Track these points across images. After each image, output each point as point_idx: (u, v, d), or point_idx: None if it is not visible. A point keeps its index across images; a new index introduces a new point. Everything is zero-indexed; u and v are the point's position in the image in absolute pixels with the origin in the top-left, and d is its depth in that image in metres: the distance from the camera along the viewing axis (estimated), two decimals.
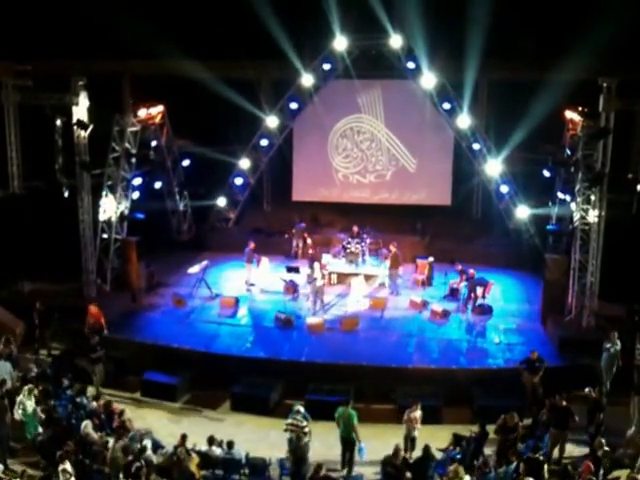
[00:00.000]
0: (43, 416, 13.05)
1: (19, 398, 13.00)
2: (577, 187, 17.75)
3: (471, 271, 18.81)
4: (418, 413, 13.09)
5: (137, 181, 20.13)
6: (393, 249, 19.89)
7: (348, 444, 12.95)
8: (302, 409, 12.98)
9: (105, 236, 19.38)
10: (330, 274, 20.09)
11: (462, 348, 16.89)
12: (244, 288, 20.15)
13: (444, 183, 24.00)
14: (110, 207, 19.31)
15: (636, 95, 17.94)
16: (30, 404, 12.98)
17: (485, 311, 18.62)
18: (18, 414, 12.94)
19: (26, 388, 13.19)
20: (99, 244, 19.22)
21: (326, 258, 20.51)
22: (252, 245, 20.50)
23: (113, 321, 17.81)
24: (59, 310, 17.20)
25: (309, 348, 16.77)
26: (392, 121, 23.91)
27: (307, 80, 22.39)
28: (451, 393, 15.15)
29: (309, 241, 21.95)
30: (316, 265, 18.85)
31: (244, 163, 23.19)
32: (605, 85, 17.01)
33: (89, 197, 18.87)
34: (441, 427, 14.15)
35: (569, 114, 18.66)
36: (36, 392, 13.35)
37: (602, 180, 16.98)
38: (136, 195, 20.28)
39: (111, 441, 12.05)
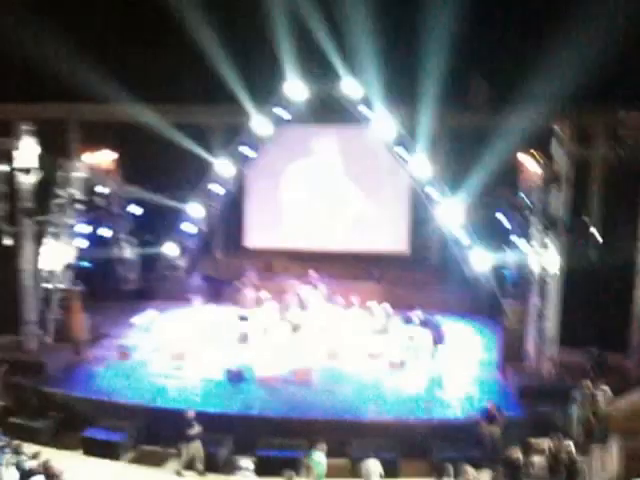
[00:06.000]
0: None
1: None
2: (533, 232, 17.62)
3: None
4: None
5: (82, 228, 19.43)
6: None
7: None
8: (250, 465, 12.38)
9: (47, 286, 18.54)
10: (284, 323, 19.46)
11: (419, 399, 16.34)
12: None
13: (401, 229, 23.81)
14: (54, 255, 18.53)
15: (590, 140, 18.07)
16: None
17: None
18: None
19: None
20: (41, 294, 18.38)
21: (275, 306, 19.80)
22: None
23: (54, 375, 17.08)
24: None
25: (261, 401, 16.08)
26: (347, 167, 23.73)
27: (259, 125, 22.08)
28: (408, 446, 14.59)
29: (265, 293, 21.33)
30: (270, 314, 18.30)
31: (194, 209, 22.59)
32: (559, 130, 17.06)
33: (32, 245, 18.14)
34: None
35: (524, 159, 18.63)
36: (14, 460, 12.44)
37: (557, 225, 16.89)
38: (81, 243, 19.54)
39: None
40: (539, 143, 18.20)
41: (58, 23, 21.10)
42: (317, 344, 18.86)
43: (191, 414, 14.25)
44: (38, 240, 18.41)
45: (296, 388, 16.84)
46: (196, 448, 14.16)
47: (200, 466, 14.22)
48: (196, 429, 14.12)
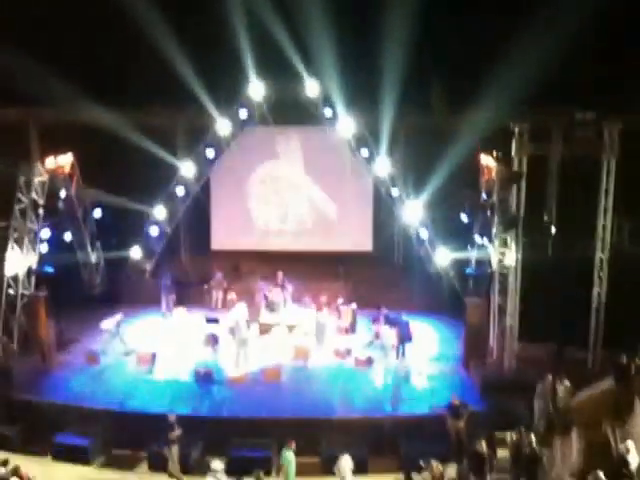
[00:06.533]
0: None
1: None
2: (494, 231, 18.00)
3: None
4: None
5: (46, 233, 19.27)
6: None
7: None
8: (221, 466, 12.54)
9: (11, 292, 18.37)
10: (252, 324, 19.57)
11: (386, 395, 16.64)
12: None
13: (365, 229, 24.04)
14: (17, 261, 18.35)
15: (547, 139, 18.52)
16: None
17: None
18: None
19: None
20: (5, 301, 18.20)
21: (243, 307, 19.80)
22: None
23: (22, 382, 16.88)
24: None
25: (231, 402, 16.25)
26: (311, 168, 23.90)
27: (223, 127, 22.12)
28: (377, 442, 14.91)
29: (233, 294, 21.38)
30: (238, 315, 18.41)
31: (159, 212, 22.54)
32: (517, 130, 17.47)
33: None
34: (367, 477, 13.92)
35: (484, 159, 19.02)
36: None
37: (517, 223, 17.29)
38: (45, 248, 19.38)
39: None
40: (498, 143, 18.60)
41: (16, 27, 20.91)
42: (285, 344, 19.05)
43: (172, 417, 14.18)
44: (0, 246, 18.22)
45: (265, 388, 17.00)
46: (175, 451, 14.08)
47: (172, 473, 14.18)
48: (177, 432, 14.04)
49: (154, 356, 18.35)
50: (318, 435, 14.92)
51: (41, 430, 15.22)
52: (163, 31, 20.69)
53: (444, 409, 14.95)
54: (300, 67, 21.27)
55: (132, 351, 18.80)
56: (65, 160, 20.31)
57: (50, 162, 19.38)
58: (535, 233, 18.61)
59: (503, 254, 17.55)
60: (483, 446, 13.22)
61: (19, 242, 18.38)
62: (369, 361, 18.18)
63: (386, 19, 20.33)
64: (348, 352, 18.67)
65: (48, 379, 17.54)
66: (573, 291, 18.49)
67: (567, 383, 15.15)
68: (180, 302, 21.34)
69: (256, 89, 21.76)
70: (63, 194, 20.46)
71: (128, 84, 21.87)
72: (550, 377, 15.20)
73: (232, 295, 21.29)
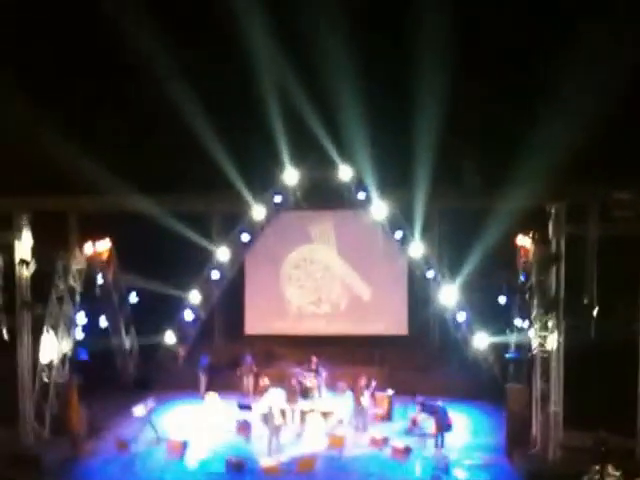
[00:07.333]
0: None
1: None
2: (533, 313, 17.57)
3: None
4: None
5: (81, 319, 19.33)
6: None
7: None
8: None
9: (45, 378, 18.30)
10: (285, 410, 19.12)
11: None
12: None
13: (400, 312, 23.72)
14: (52, 348, 18.36)
15: (585, 219, 18.24)
16: None
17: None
18: None
19: None
20: (38, 387, 18.13)
21: (276, 393, 19.42)
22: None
23: (52, 470, 16.59)
24: None
25: None
26: (345, 251, 23.88)
27: (258, 212, 22.31)
28: None
29: (266, 380, 21.02)
30: (271, 401, 18.02)
31: (194, 297, 22.59)
32: (553, 211, 17.25)
33: (29, 337, 18.02)
34: None
35: (520, 240, 18.77)
36: None
37: (557, 306, 16.86)
38: (79, 334, 19.41)
39: None
40: (535, 223, 18.37)
41: (56, 117, 21.64)
42: (319, 431, 18.51)
43: None
44: (36, 332, 18.28)
45: (299, 478, 16.40)
46: None
47: None
48: None
49: (185, 444, 17.93)
50: None
51: None
52: (199, 119, 21.27)
53: None
54: (333, 152, 21.56)
55: (163, 438, 18.43)
56: (103, 246, 20.60)
57: (88, 249, 19.65)
58: (576, 315, 18.08)
59: (544, 337, 17.07)
60: None
61: (55, 328, 18.46)
62: (407, 450, 17.50)
63: (415, 99, 20.60)
64: (385, 441, 18.04)
65: (78, 467, 17.17)
66: (618, 375, 17.79)
67: (616, 473, 14.45)
68: (212, 387, 21.02)
69: (290, 174, 22.03)
70: (100, 280, 20.64)
71: (164, 171, 22.34)
72: (598, 467, 14.49)
73: (265, 380, 20.93)
